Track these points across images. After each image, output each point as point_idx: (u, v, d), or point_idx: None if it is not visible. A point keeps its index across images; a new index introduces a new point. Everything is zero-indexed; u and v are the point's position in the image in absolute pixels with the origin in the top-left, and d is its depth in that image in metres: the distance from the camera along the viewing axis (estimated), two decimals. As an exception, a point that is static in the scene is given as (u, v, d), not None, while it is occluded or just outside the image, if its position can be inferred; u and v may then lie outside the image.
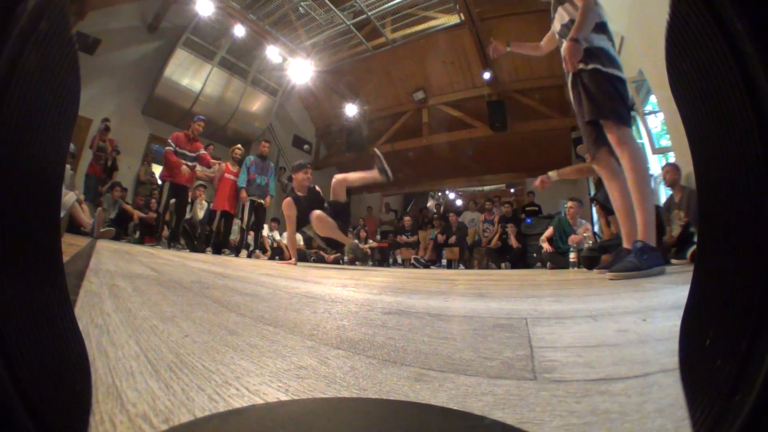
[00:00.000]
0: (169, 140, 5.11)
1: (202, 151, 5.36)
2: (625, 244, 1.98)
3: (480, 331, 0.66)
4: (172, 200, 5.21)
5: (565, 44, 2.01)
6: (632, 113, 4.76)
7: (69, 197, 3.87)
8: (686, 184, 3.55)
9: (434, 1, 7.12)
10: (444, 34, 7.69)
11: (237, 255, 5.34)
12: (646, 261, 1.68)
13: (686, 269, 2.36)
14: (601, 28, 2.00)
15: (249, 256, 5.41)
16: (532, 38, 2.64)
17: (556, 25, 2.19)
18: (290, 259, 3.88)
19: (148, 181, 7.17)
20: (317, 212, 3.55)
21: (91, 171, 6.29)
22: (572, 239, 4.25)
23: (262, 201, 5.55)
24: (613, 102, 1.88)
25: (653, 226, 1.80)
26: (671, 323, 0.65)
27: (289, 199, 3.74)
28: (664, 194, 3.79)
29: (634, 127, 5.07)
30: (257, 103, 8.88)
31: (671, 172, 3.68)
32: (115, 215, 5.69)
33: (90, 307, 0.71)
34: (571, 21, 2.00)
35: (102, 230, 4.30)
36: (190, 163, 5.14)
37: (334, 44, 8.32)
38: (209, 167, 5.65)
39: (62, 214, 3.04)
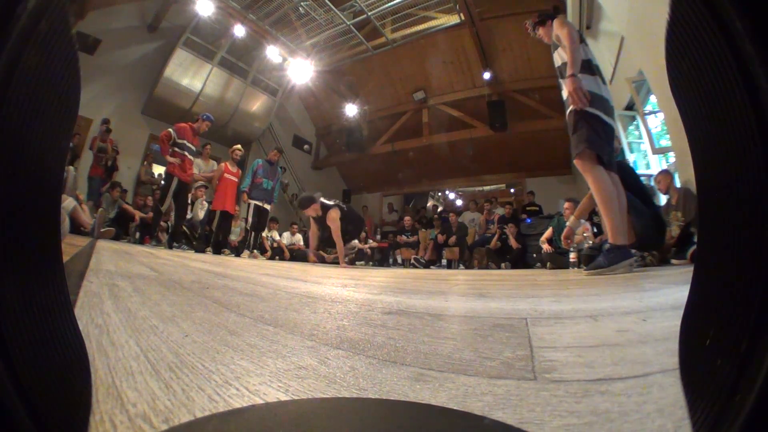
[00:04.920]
0: (171, 128, 4.99)
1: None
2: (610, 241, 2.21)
3: (480, 331, 0.66)
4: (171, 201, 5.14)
5: (567, 82, 2.21)
6: (634, 113, 4.80)
7: (68, 202, 3.86)
8: (686, 186, 3.55)
9: (434, 1, 7.12)
10: (444, 34, 7.69)
11: (237, 255, 5.35)
12: (612, 259, 2.00)
13: (681, 268, 2.36)
14: (586, 66, 2.23)
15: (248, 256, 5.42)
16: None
17: (557, 62, 2.40)
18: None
19: (148, 181, 7.17)
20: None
21: (93, 173, 6.28)
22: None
23: (267, 207, 5.57)
24: (585, 136, 2.17)
25: (619, 231, 2.11)
26: (671, 323, 0.65)
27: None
28: (664, 198, 3.81)
29: (633, 127, 5.10)
30: (257, 103, 8.88)
31: (663, 180, 3.73)
32: (114, 215, 5.68)
33: (90, 307, 0.71)
34: (564, 64, 2.25)
35: (102, 230, 4.30)
36: (189, 156, 5.05)
37: (334, 44, 8.31)
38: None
39: (63, 220, 3.03)
